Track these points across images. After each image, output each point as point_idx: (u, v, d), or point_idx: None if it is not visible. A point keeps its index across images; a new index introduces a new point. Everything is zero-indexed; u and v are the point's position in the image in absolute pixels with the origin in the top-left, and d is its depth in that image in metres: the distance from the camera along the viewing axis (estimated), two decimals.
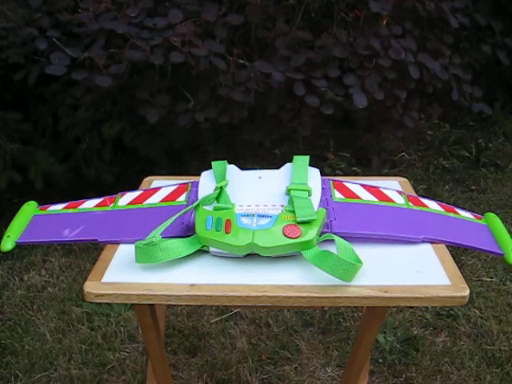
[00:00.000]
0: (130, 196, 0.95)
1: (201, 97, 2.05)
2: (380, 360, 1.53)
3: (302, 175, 0.90)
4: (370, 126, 2.51)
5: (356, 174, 2.49)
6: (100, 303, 0.78)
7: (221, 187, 0.87)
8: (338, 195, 0.92)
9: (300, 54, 1.99)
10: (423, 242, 0.84)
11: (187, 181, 0.99)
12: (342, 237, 0.78)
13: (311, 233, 0.78)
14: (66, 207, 0.93)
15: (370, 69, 2.03)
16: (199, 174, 0.95)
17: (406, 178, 1.09)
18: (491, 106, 2.61)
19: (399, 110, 2.25)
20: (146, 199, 0.94)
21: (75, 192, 1.87)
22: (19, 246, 0.88)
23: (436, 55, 2.22)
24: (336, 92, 2.03)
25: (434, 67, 2.13)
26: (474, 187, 2.47)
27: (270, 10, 2.03)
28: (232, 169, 0.94)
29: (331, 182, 0.95)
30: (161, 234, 0.79)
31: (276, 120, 2.21)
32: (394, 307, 1.67)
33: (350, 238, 0.80)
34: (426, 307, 1.69)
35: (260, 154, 2.62)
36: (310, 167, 0.93)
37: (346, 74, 2.04)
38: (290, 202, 0.84)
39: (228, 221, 0.79)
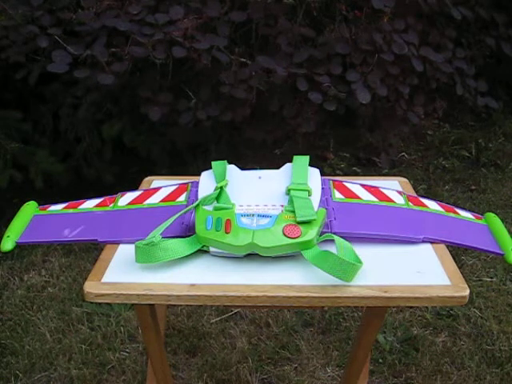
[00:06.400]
0: (129, 196, 0.95)
1: (203, 95, 2.04)
2: (380, 360, 1.53)
3: (301, 175, 0.90)
4: (373, 125, 2.50)
5: (356, 174, 2.49)
6: (100, 303, 0.78)
7: (221, 187, 0.87)
8: (337, 195, 0.92)
9: (302, 51, 1.98)
10: (423, 242, 0.84)
11: (187, 181, 0.99)
12: (342, 237, 0.78)
13: (311, 233, 0.78)
14: (65, 207, 0.93)
15: (372, 64, 2.02)
16: (199, 174, 0.95)
17: (406, 177, 1.09)
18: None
19: (403, 106, 2.25)
20: (146, 199, 0.94)
21: (75, 192, 1.88)
22: (19, 246, 0.88)
23: (439, 49, 2.21)
24: (339, 88, 2.02)
25: (436, 60, 2.12)
26: (474, 187, 2.47)
27: (272, 7, 2.03)
28: (232, 169, 0.94)
29: (331, 182, 0.95)
30: (161, 234, 0.79)
31: (278, 118, 2.20)
32: (394, 307, 1.67)
33: (350, 238, 0.80)
34: (426, 307, 1.69)
35: (260, 154, 2.62)
36: (310, 167, 0.93)
37: (349, 70, 2.03)
38: (290, 201, 0.84)
39: (228, 221, 0.79)
